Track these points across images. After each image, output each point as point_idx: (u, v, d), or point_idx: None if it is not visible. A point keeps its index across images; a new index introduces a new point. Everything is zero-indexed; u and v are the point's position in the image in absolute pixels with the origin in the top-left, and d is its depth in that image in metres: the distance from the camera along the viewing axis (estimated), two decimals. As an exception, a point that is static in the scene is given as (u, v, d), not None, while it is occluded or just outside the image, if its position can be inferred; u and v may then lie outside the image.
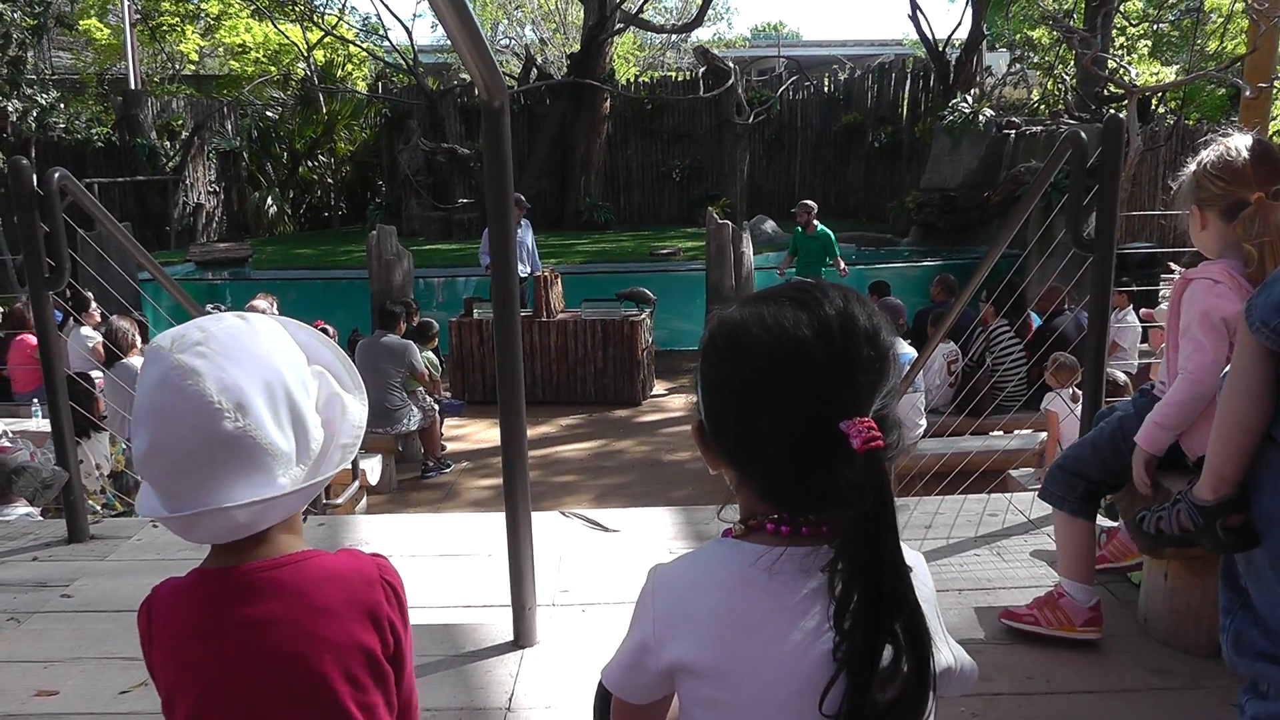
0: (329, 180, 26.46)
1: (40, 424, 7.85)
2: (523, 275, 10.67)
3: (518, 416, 2.79)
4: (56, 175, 3.86)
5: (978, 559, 3.61)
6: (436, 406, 8.75)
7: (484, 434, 9.41)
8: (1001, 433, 7.50)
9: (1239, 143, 2.44)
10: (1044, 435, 6.73)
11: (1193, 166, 2.54)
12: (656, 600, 1.24)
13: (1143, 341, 8.82)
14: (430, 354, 9.26)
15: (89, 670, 2.83)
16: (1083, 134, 3.87)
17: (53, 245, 3.89)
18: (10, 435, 5.12)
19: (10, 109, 18.52)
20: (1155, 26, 23.95)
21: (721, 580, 1.20)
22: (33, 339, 8.78)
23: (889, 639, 1.08)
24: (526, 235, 11.43)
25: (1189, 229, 2.58)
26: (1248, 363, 1.76)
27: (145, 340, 8.17)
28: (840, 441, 1.08)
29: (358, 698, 1.30)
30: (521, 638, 2.92)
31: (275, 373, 1.26)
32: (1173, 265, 6.84)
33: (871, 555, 1.08)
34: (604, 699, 1.63)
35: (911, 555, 1.18)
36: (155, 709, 2.50)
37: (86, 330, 8.52)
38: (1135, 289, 8.63)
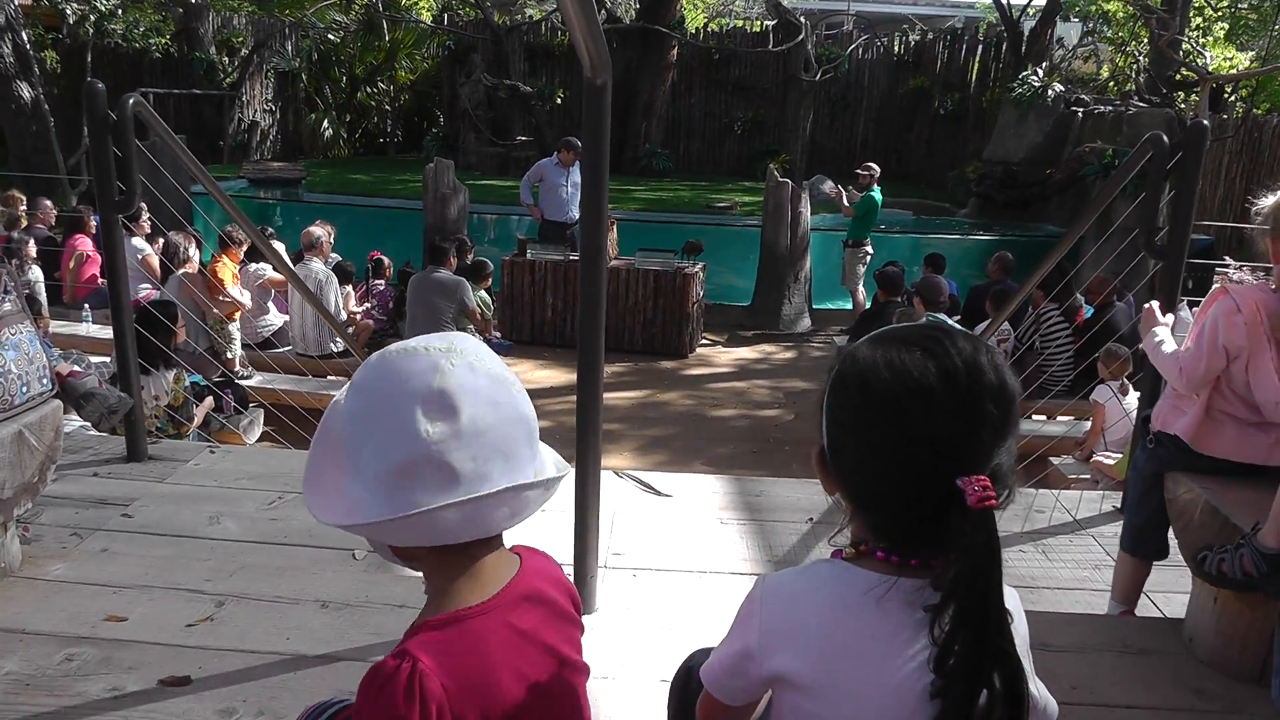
0: (387, 108, 26.41)
1: (89, 329, 7.98)
2: (574, 220, 10.65)
3: (595, 386, 2.76)
4: (131, 101, 3.85)
5: (1023, 555, 3.63)
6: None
7: (530, 375, 9.38)
8: (1045, 418, 7.46)
9: None
10: (1088, 424, 6.70)
11: (1273, 199, 2.57)
12: (764, 610, 1.27)
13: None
14: (483, 293, 9.34)
15: (157, 599, 2.82)
16: (1164, 138, 3.85)
17: (124, 169, 3.90)
18: (78, 355, 5.21)
19: (69, 11, 18.51)
20: (1235, 8, 23.38)
21: (829, 600, 1.23)
22: (86, 241, 8.93)
23: (987, 686, 1.11)
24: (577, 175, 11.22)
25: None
26: None
27: (200, 255, 8.24)
28: (955, 496, 1.11)
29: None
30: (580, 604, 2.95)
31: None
32: (1228, 260, 6.76)
33: (978, 609, 1.11)
34: (683, 687, 1.69)
35: (1011, 598, 1.21)
36: (222, 645, 2.61)
37: (138, 241, 8.52)
38: (1189, 286, 8.47)
